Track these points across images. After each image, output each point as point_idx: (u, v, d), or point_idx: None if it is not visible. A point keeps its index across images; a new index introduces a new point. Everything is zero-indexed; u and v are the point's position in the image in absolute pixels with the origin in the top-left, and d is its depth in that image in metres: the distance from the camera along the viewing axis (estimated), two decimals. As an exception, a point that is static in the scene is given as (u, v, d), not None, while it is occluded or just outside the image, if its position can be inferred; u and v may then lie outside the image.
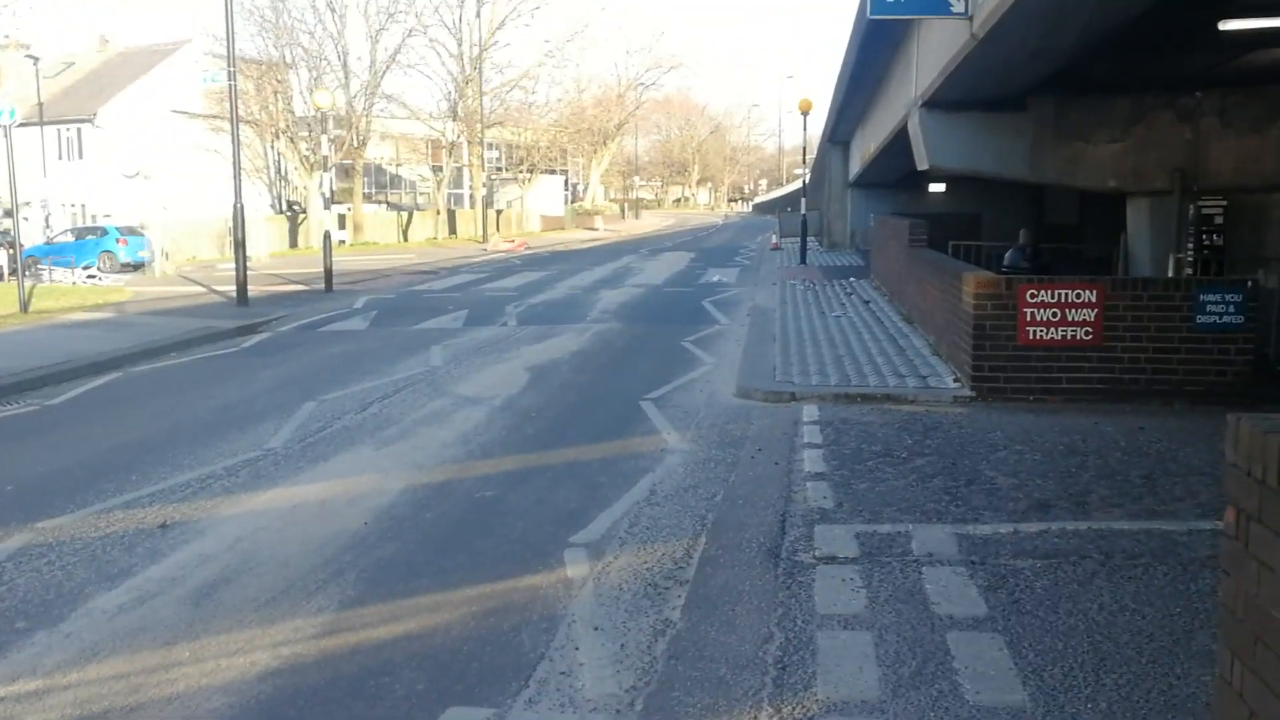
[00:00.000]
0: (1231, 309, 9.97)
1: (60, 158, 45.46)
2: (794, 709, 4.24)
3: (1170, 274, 13.81)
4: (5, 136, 18.86)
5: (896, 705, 4.25)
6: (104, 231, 34.03)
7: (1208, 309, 9.99)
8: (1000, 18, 10.58)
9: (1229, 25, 10.85)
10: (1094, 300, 10.15)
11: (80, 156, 45.48)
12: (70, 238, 34.40)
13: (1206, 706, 4.14)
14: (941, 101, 15.66)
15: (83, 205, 44.21)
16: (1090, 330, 10.16)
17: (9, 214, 25.54)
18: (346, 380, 12.22)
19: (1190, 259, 13.63)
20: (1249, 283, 10.17)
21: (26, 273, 21.42)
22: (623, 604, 5.39)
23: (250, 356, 14.72)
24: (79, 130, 45.47)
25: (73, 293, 23.72)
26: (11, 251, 24.64)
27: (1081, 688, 4.37)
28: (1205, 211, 13.48)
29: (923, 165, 16.71)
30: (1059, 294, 10.20)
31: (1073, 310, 10.16)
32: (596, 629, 5.07)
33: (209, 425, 9.96)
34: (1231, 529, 2.87)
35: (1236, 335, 10.02)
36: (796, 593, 5.49)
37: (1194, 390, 10.02)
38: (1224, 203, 13.50)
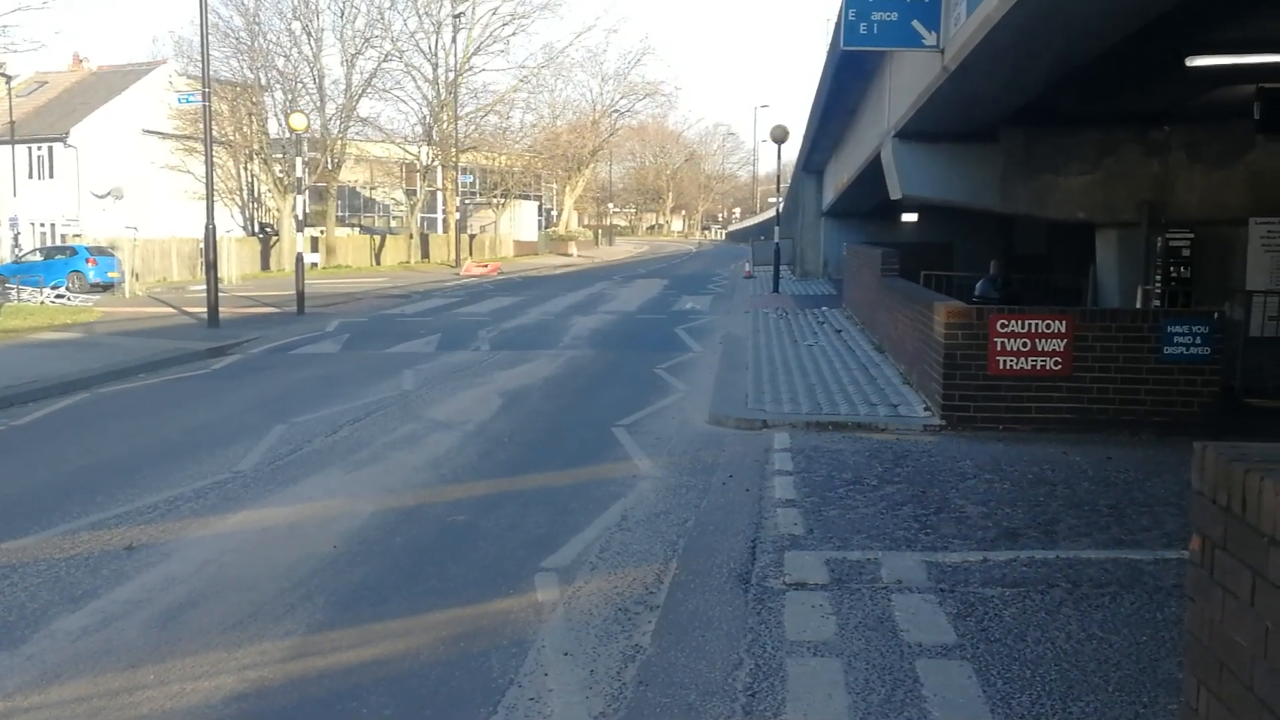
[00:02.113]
0: (1198, 340, 10.09)
1: (31, 176, 45.08)
2: (763, 735, 4.24)
3: (1138, 305, 13.96)
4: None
5: (866, 732, 4.25)
6: (73, 251, 33.75)
7: (1175, 340, 10.10)
8: (971, 51, 10.72)
9: (1196, 62, 11.03)
10: (1064, 331, 10.24)
11: (51, 175, 45.13)
12: (39, 257, 34.09)
13: (1173, 734, 4.16)
14: (914, 132, 15.81)
15: (52, 225, 43.84)
16: (1060, 360, 10.25)
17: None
18: (317, 403, 12.15)
19: (1158, 291, 13.80)
20: (1215, 315, 10.30)
21: (-6, 292, 21.19)
22: (593, 629, 5.37)
23: (220, 379, 14.61)
24: (50, 149, 45.13)
25: (41, 312, 23.51)
26: (-21, 270, 24.40)
27: (1049, 716, 4.38)
28: (1173, 244, 13.65)
29: (895, 195, 16.85)
30: (1029, 324, 10.29)
31: (1043, 340, 10.25)
32: (566, 654, 5.05)
33: (178, 447, 9.87)
34: (1197, 556, 2.89)
35: (1203, 367, 10.14)
36: (766, 619, 5.48)
37: (1161, 421, 10.12)
38: (1191, 235, 13.68)
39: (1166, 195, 14.33)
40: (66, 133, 44.59)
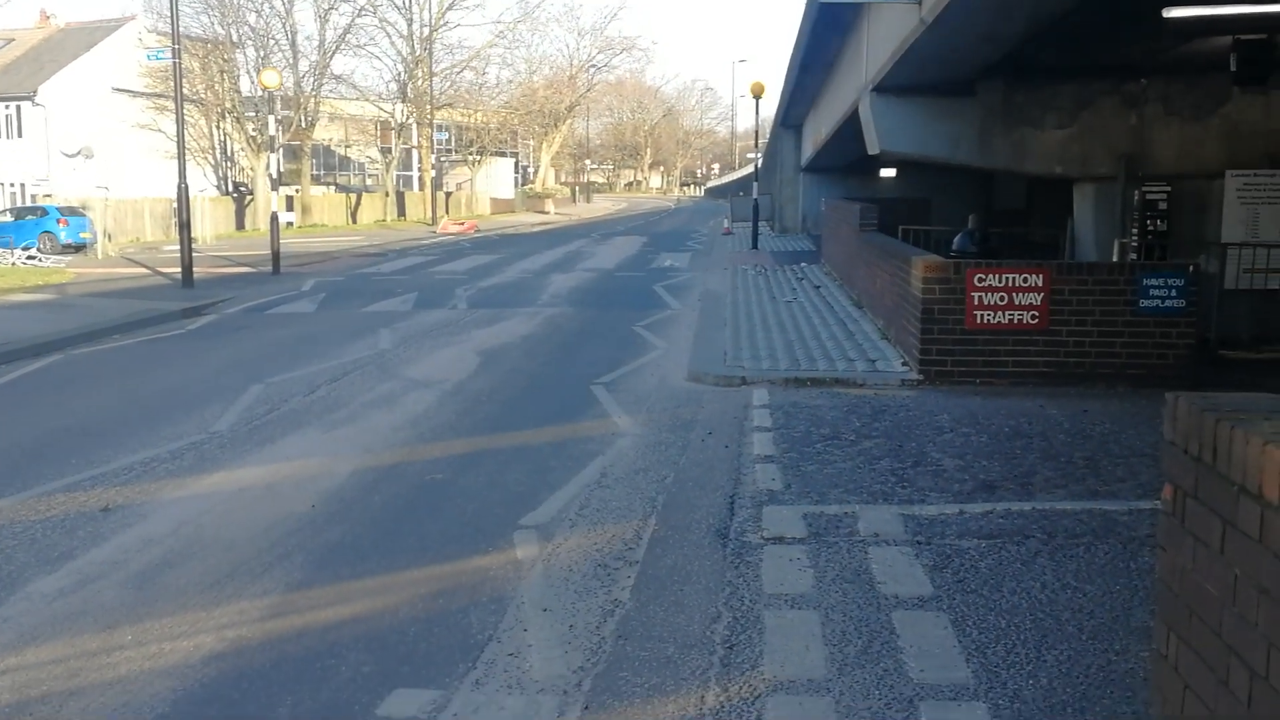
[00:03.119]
0: (1174, 293, 10.14)
1: (-1, 136, 44.43)
2: (741, 688, 4.27)
3: (1114, 259, 14.01)
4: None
5: (842, 683, 4.29)
6: (44, 212, 33.31)
7: (1151, 293, 10.15)
8: (949, 3, 10.64)
9: (1173, 13, 10.97)
10: (1040, 284, 10.27)
11: (20, 135, 44.41)
12: (9, 218, 33.65)
13: (1144, 680, 4.21)
14: (892, 86, 15.73)
15: (22, 185, 43.24)
16: (1036, 314, 10.29)
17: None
18: (294, 363, 12.08)
19: (1134, 244, 13.82)
20: (1191, 268, 10.34)
21: (-36, 253, 20.92)
22: (572, 585, 5.38)
23: (196, 339, 14.51)
24: (18, 108, 44.37)
25: (12, 273, 23.24)
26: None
27: (1024, 664, 4.43)
28: (1149, 197, 13.65)
29: (874, 150, 16.80)
30: (1006, 278, 10.31)
31: (1019, 294, 10.28)
32: (545, 610, 5.07)
33: (153, 408, 9.81)
34: (1169, 506, 2.92)
35: (1178, 319, 10.19)
36: (744, 573, 5.51)
37: (1136, 373, 10.19)
38: (1167, 189, 13.68)
39: (1143, 149, 14.34)
40: (34, 91, 43.84)
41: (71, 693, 4.31)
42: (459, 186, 70.02)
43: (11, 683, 4.39)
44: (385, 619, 5.01)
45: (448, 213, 56.53)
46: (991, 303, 10.32)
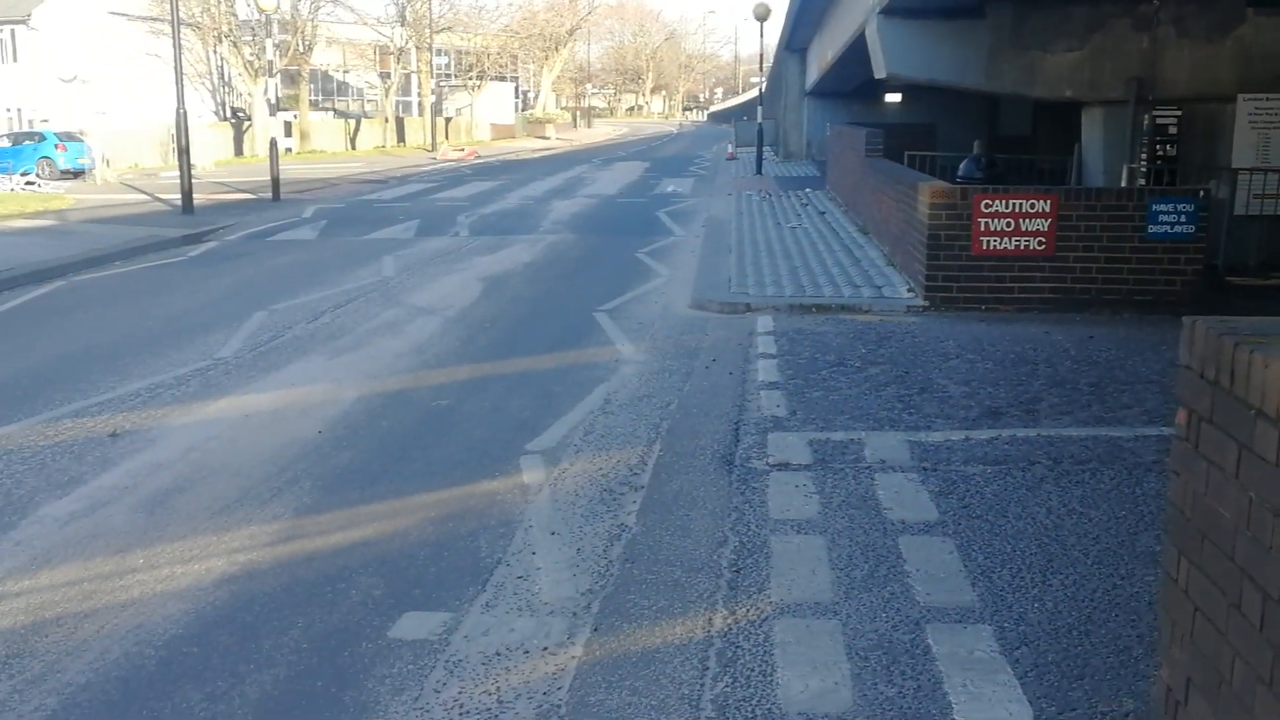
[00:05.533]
0: (1183, 219, 10.06)
1: (-7, 61, 43.84)
2: (748, 610, 4.30)
3: (1123, 184, 13.87)
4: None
5: (849, 606, 4.32)
6: (42, 137, 32.99)
7: (1160, 219, 10.07)
8: (960, -79, 10.41)
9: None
10: (1048, 210, 10.18)
11: (14, 59, 43.80)
12: (7, 143, 33.33)
13: (1149, 605, 4.25)
14: (900, 8, 15.45)
15: (18, 110, 42.77)
16: (1044, 240, 10.22)
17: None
18: (297, 290, 12.05)
19: (1143, 169, 13.67)
20: (1201, 193, 10.24)
21: (-38, 179, 20.76)
22: (578, 510, 5.41)
23: (197, 265, 14.46)
24: (12, 32, 43.67)
25: (11, 199, 23.10)
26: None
27: (1029, 589, 4.47)
28: (1160, 122, 13.47)
29: (880, 74, 16.54)
30: (1014, 204, 10.22)
31: (1027, 220, 10.20)
32: (553, 534, 5.10)
33: (157, 335, 9.80)
34: (1183, 430, 2.90)
35: (1187, 245, 10.12)
36: (750, 498, 5.54)
37: (1143, 300, 10.14)
38: (1178, 113, 13.50)
39: (1154, 72, 14.11)
40: (28, 15, 43.11)
41: (86, 615, 4.35)
42: (459, 112, 69.28)
43: (27, 604, 4.44)
44: (395, 543, 5.04)
45: (447, 139, 55.97)
46: (998, 229, 10.25)
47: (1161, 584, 3.09)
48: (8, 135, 35.37)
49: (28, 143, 32.87)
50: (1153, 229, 10.09)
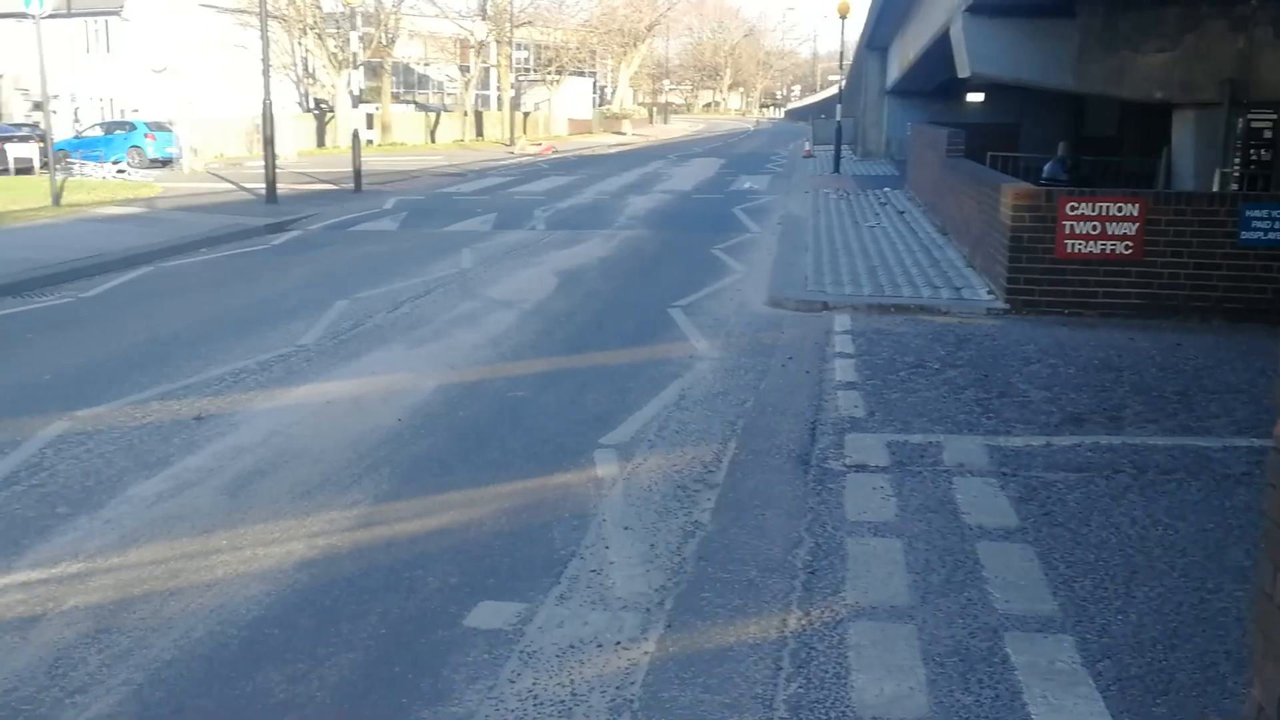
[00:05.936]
0: (1277, 226, 9.77)
1: (88, 51, 45.06)
2: (823, 612, 4.27)
3: (1215, 189, 13.52)
4: (35, 27, 18.70)
5: (925, 611, 4.27)
6: (132, 126, 33.85)
7: (1253, 225, 9.79)
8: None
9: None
10: (1135, 214, 9.96)
11: (108, 50, 45.05)
12: (99, 132, 34.23)
13: (1238, 620, 4.14)
14: (986, 6, 15.24)
15: (110, 100, 43.92)
16: (1130, 244, 10.00)
17: (39, 107, 25.47)
18: (377, 280, 12.22)
19: (1236, 174, 13.32)
20: (1296, 199, 9.94)
21: (57, 166, 21.38)
22: (652, 505, 5.41)
23: (281, 254, 14.73)
24: (106, 23, 44.94)
25: (103, 187, 23.72)
26: (43, 145, 24.62)
27: (1112, 599, 4.37)
28: (1254, 125, 13.12)
29: (964, 72, 16.34)
30: (1100, 207, 10.01)
31: (1113, 224, 9.99)
32: (627, 529, 5.11)
33: (241, 320, 10.00)
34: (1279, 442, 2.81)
35: (1281, 253, 9.84)
36: (826, 499, 5.49)
37: (1234, 307, 9.88)
38: (1275, 116, 13.13)
39: (1250, 74, 13.74)
40: (121, 6, 44.33)
41: (171, 593, 4.46)
42: (536, 106, 69.66)
43: (115, 581, 4.56)
44: (471, 532, 5.09)
45: (525, 133, 56.36)
46: (1084, 232, 10.05)
47: (1255, 599, 3.00)
48: (100, 124, 36.33)
49: (119, 132, 33.73)
50: (1245, 235, 9.81)
